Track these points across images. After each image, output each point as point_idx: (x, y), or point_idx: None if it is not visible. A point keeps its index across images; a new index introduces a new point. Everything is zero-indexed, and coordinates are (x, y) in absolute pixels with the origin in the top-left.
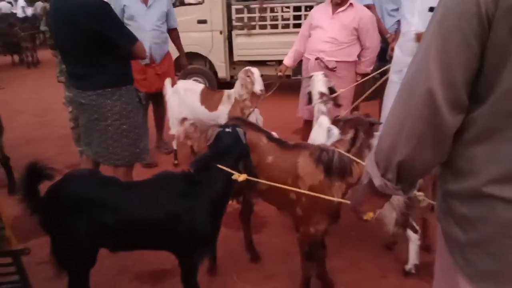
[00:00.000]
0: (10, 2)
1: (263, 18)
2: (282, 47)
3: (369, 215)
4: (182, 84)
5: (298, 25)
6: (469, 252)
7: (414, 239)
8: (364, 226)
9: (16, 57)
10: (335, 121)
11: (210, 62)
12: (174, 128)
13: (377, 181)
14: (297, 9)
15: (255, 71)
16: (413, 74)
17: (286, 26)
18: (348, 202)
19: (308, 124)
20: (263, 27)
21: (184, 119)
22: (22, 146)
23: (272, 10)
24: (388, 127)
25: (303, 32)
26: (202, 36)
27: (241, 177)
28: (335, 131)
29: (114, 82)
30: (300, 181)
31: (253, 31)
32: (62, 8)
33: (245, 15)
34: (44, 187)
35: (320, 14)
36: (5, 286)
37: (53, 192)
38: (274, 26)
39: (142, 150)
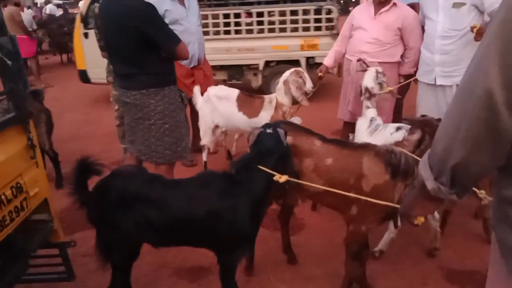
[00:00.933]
0: (59, 5)
1: None
2: (214, 52)
3: (420, 220)
4: (213, 91)
5: (228, 32)
6: None
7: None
8: (407, 232)
9: (65, 57)
10: (403, 120)
11: None
12: (206, 138)
13: (430, 184)
14: (226, 16)
15: (304, 70)
16: (471, 76)
17: (217, 32)
18: (398, 206)
19: (347, 126)
20: None
21: (216, 128)
22: (69, 142)
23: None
24: (443, 130)
25: (344, 32)
26: None
27: (282, 178)
28: (379, 121)
29: (157, 82)
30: (364, 180)
31: None
32: (110, 10)
33: None
34: (91, 182)
35: (362, 15)
36: (51, 276)
37: (102, 187)
38: (205, 33)
39: (184, 149)
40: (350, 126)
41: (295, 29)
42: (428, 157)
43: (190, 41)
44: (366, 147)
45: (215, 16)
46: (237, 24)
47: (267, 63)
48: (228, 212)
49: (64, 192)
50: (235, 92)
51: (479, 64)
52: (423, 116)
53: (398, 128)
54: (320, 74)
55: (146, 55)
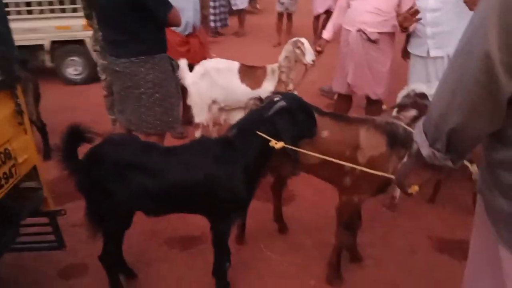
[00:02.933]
0: None
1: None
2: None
3: (414, 189)
4: (211, 64)
5: (8, 13)
6: None
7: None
8: (396, 203)
9: None
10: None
11: None
12: (201, 116)
13: (425, 151)
14: None
15: (305, 41)
16: (468, 39)
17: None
18: (393, 177)
19: (343, 99)
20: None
21: (212, 104)
22: (57, 113)
23: None
24: (439, 95)
25: (341, 3)
26: None
27: (278, 144)
28: None
29: (148, 50)
30: (359, 152)
31: None
32: None
33: None
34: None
35: None
36: (42, 245)
37: (94, 155)
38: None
39: (175, 120)
40: (345, 99)
41: (75, 10)
42: (423, 124)
43: (184, 7)
44: (364, 120)
45: None
46: (17, 4)
47: (55, 43)
48: (224, 178)
49: (53, 163)
50: (235, 63)
51: (477, 28)
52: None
53: None
54: (319, 48)
55: (137, 21)
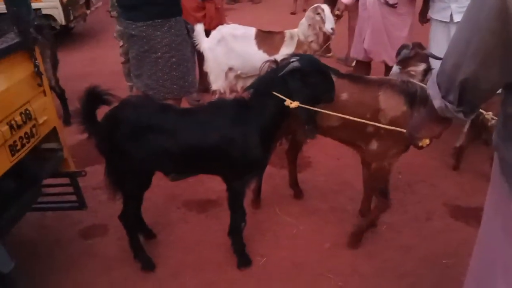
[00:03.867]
0: None
1: None
2: None
3: (425, 142)
4: (227, 29)
5: None
6: None
7: None
8: (413, 170)
9: None
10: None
11: None
12: (218, 83)
13: (438, 103)
14: None
15: (326, 8)
16: None
17: None
18: (404, 130)
19: (361, 65)
20: None
21: (229, 70)
22: (75, 81)
23: None
24: (453, 46)
25: None
26: None
27: (293, 104)
28: None
29: (164, 12)
30: (381, 114)
31: None
32: None
33: None
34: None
35: None
36: (64, 205)
37: (112, 117)
38: None
39: (191, 84)
40: (364, 66)
41: None
42: (436, 76)
43: None
44: (381, 81)
45: None
46: None
47: None
48: (238, 139)
49: (73, 128)
50: (252, 29)
51: None
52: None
53: None
54: (337, 12)
55: None
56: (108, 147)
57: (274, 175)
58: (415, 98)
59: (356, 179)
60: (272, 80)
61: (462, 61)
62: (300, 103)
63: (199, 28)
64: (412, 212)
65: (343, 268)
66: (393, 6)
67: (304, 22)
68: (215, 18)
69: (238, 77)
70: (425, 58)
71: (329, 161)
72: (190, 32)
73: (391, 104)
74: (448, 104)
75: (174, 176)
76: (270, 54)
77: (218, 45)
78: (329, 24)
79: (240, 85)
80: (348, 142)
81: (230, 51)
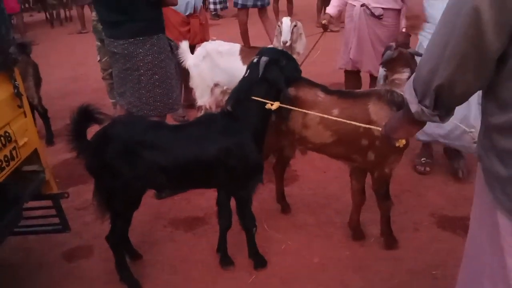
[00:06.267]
0: None
1: None
2: None
3: (402, 142)
4: (211, 46)
5: None
6: (510, 186)
7: None
8: (401, 180)
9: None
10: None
11: None
12: (204, 98)
13: (414, 107)
14: None
15: (285, 20)
16: None
17: None
18: (379, 129)
19: (350, 75)
20: None
21: (214, 86)
22: (58, 99)
23: None
24: (429, 52)
25: None
26: None
27: (274, 105)
28: None
29: (145, 30)
30: (375, 126)
31: None
32: None
33: None
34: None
35: None
36: (46, 228)
37: (103, 135)
38: None
39: (175, 101)
40: (352, 75)
41: None
42: (413, 81)
43: None
44: (369, 93)
45: None
46: None
47: None
48: (236, 148)
49: (55, 148)
50: (237, 45)
51: None
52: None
53: None
54: (324, 21)
55: (133, 0)
56: (98, 165)
57: (261, 190)
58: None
59: (343, 191)
60: (249, 85)
61: (438, 66)
62: (284, 90)
63: (184, 45)
64: (399, 223)
65: (332, 282)
66: (378, 17)
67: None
68: (199, 33)
69: (224, 92)
70: (409, 59)
71: (315, 174)
72: (173, 49)
73: (382, 115)
74: (424, 108)
75: (159, 194)
76: None
77: (203, 61)
78: (284, 36)
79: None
80: (342, 157)
81: (215, 67)
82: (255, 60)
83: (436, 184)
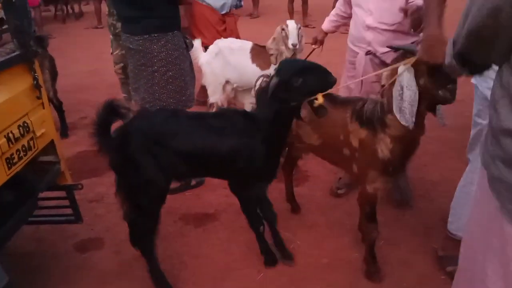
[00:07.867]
0: None
1: None
2: None
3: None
4: (224, 43)
5: None
6: None
7: None
8: (410, 185)
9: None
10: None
11: None
12: (216, 96)
13: (448, 59)
14: None
15: (291, 23)
16: None
17: None
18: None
19: None
20: None
21: (226, 84)
22: (74, 93)
23: None
24: (462, 16)
25: None
26: None
27: (319, 99)
28: None
29: (161, 27)
30: (352, 136)
31: None
32: None
33: None
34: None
35: None
36: (59, 219)
37: (125, 131)
38: None
39: (188, 98)
40: None
41: None
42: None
43: None
44: (349, 101)
45: None
46: None
47: None
48: (245, 149)
49: (70, 141)
50: (249, 43)
51: None
52: None
53: None
54: (315, 45)
55: None
56: (122, 161)
57: (271, 190)
58: (362, 118)
59: (353, 193)
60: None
61: (459, 33)
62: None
63: (197, 43)
64: (411, 226)
65: (341, 284)
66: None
67: (272, 37)
68: (235, 31)
69: (235, 90)
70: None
71: (326, 175)
72: (189, 46)
73: (355, 126)
74: (455, 63)
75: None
76: (262, 68)
77: (215, 59)
78: (292, 39)
79: (238, 98)
80: (334, 163)
81: (226, 64)
82: (265, 79)
83: (448, 189)
